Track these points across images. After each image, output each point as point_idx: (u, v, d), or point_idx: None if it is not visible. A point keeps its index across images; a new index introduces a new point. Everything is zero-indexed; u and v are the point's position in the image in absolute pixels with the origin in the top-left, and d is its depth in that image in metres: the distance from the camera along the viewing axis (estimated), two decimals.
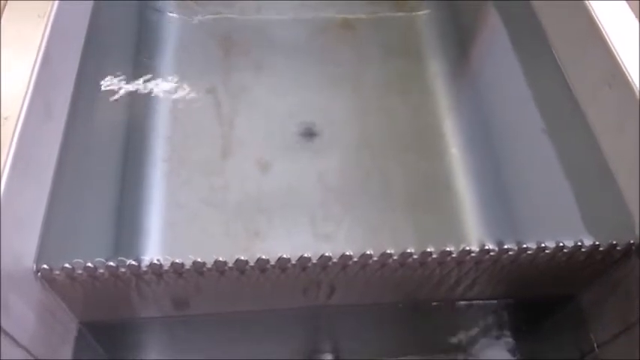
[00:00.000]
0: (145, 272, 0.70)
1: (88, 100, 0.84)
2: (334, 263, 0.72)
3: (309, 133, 0.86)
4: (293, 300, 0.80)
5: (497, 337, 0.95)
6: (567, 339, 0.88)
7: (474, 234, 0.75)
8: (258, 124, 0.86)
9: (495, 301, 0.87)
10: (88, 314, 0.79)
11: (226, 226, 0.75)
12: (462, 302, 0.85)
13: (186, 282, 0.73)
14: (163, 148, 0.83)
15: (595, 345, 0.82)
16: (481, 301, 0.86)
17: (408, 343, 0.98)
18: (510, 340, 0.95)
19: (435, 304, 0.85)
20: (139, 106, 0.86)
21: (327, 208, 0.77)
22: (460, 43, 1.01)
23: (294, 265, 0.71)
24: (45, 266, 0.68)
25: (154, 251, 0.71)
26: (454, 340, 0.95)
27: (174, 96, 0.88)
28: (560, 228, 0.75)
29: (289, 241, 0.74)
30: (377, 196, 0.80)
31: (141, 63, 0.91)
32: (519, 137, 0.86)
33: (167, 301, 0.78)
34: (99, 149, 0.80)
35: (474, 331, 0.94)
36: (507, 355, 0.95)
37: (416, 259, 0.72)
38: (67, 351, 0.77)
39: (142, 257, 0.69)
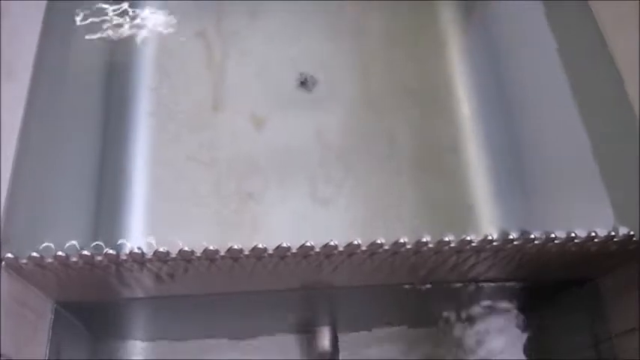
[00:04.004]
0: (125, 260, 0.64)
1: (58, 52, 0.76)
2: (340, 252, 0.66)
3: (308, 87, 0.78)
4: (292, 282, 0.76)
5: (508, 317, 0.92)
6: (582, 323, 0.84)
7: (483, 203, 0.70)
8: (252, 75, 0.79)
9: (510, 283, 0.83)
10: (65, 295, 0.73)
11: (217, 186, 0.70)
12: (476, 283, 0.81)
13: (172, 268, 0.67)
14: (148, 100, 0.76)
15: (612, 334, 0.78)
16: (495, 283, 0.82)
17: (411, 316, 0.95)
18: (522, 320, 0.92)
19: (445, 285, 0.81)
20: (120, 55, 0.78)
21: (327, 170, 0.72)
22: None
23: (294, 253, 0.66)
24: (9, 255, 0.62)
25: (138, 214, 0.67)
26: (464, 317, 0.93)
27: (160, 42, 0.80)
28: (580, 208, 0.70)
29: (286, 205, 0.69)
30: (381, 158, 0.74)
31: (120, 6, 0.82)
32: (542, 100, 0.78)
33: (151, 284, 0.72)
34: (73, 107, 0.74)
35: (484, 309, 0.91)
36: (518, 337, 0.92)
37: (431, 248, 0.67)
38: (43, 337, 0.71)
39: (123, 242, 0.64)
